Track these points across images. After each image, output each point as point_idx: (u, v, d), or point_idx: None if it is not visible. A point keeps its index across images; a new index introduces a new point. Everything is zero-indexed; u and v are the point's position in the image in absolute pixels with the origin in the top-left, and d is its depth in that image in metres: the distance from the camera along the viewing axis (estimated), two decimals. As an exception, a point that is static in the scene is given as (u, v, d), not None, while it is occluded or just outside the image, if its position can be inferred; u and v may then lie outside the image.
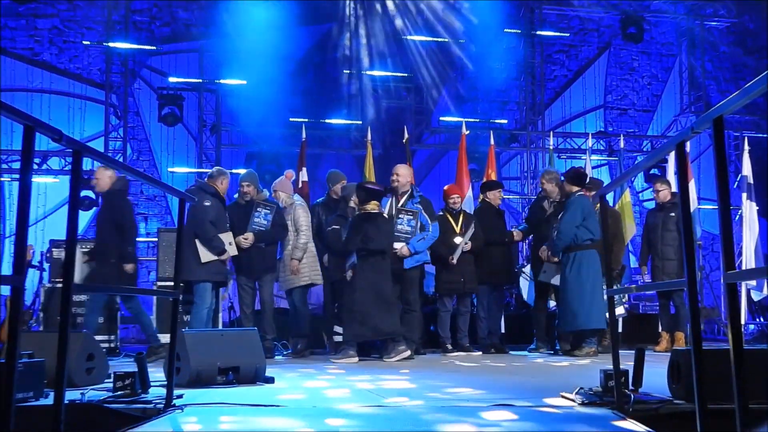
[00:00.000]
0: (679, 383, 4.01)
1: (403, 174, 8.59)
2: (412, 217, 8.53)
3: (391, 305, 7.81)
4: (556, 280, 8.47)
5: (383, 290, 7.71)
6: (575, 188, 8.31)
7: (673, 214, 9.09)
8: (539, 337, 9.04)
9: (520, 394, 4.48)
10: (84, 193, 11.59)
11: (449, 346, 8.77)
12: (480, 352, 8.79)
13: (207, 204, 7.96)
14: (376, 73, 13.90)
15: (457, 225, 8.84)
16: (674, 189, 9.69)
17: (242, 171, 10.01)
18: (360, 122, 13.66)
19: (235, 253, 8.18)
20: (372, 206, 7.72)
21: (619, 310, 8.64)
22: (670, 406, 3.83)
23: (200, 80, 13.34)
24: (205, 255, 7.93)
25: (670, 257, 9.06)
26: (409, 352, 7.77)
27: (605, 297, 8.35)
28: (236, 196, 8.85)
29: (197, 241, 7.93)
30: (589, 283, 8.05)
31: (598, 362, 7.07)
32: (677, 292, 9.01)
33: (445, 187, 9.33)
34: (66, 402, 2.85)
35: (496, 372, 6.41)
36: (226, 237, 8.06)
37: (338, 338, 8.40)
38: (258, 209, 8.42)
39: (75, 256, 2.90)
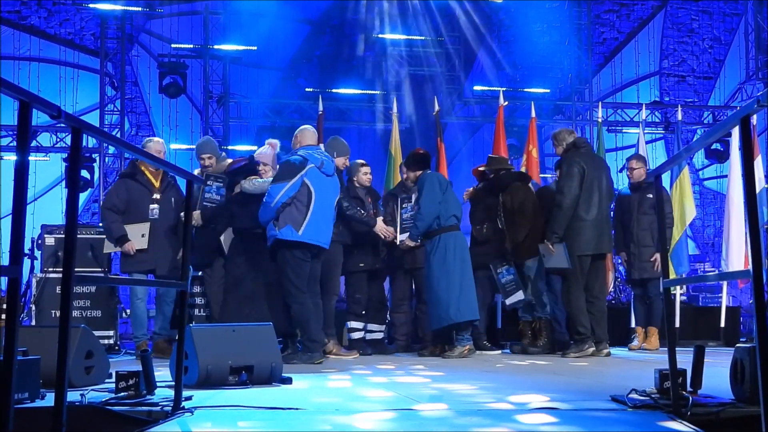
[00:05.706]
0: (743, 384, 4.03)
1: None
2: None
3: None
4: (561, 262, 8.07)
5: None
6: (420, 172, 8.25)
7: (649, 195, 8.92)
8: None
9: (564, 396, 4.52)
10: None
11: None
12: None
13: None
14: (402, 36, 13.86)
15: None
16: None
17: (253, 148, 10.04)
18: (384, 92, 13.67)
19: (142, 246, 7.95)
20: None
21: (517, 297, 8.53)
22: (732, 409, 3.84)
23: (205, 46, 13.40)
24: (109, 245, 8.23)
25: (647, 243, 9.02)
26: None
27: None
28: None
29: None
30: (458, 269, 7.94)
31: (652, 361, 7.09)
32: (653, 281, 8.96)
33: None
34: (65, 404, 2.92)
35: (538, 372, 6.45)
36: (139, 228, 7.96)
37: (356, 335, 8.48)
38: (209, 182, 7.92)
39: (75, 242, 2.95)
